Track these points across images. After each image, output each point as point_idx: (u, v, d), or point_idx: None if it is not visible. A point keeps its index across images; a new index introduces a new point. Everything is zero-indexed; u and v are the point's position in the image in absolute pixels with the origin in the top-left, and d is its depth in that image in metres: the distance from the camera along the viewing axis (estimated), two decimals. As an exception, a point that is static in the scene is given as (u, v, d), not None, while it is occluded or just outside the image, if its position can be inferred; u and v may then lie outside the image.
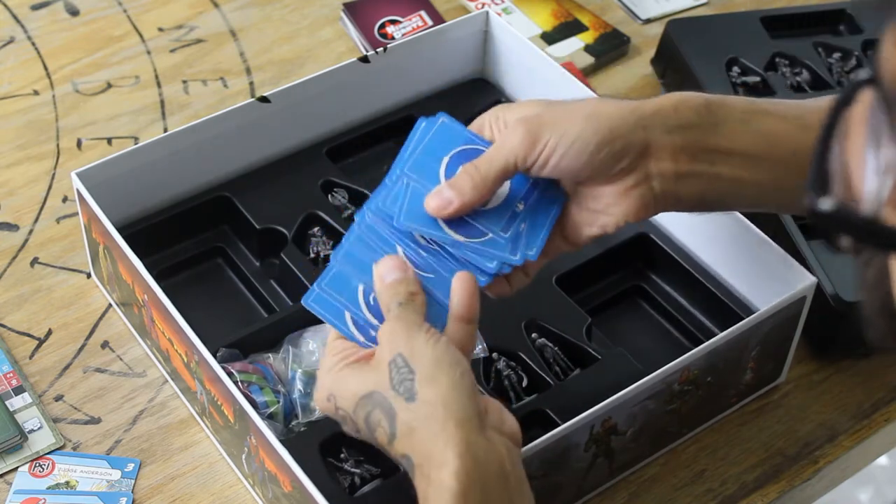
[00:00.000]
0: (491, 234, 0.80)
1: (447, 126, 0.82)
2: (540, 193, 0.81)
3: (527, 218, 0.81)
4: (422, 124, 0.83)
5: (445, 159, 0.81)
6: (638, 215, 0.79)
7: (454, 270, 0.79)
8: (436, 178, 0.80)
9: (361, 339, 0.78)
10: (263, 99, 1.05)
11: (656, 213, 0.81)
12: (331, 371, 0.76)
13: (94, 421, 0.95)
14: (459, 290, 0.77)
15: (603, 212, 0.80)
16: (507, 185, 0.81)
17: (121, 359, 0.99)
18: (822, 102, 0.84)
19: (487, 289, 0.82)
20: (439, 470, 0.69)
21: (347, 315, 0.79)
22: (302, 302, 0.80)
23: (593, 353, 0.94)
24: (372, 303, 0.79)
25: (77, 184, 0.97)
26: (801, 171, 0.80)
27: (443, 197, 0.79)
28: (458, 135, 0.82)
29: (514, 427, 0.75)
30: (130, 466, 0.92)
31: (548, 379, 0.93)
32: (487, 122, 0.83)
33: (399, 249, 0.80)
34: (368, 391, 0.73)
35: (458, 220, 0.80)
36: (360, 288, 0.79)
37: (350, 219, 1.05)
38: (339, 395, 0.75)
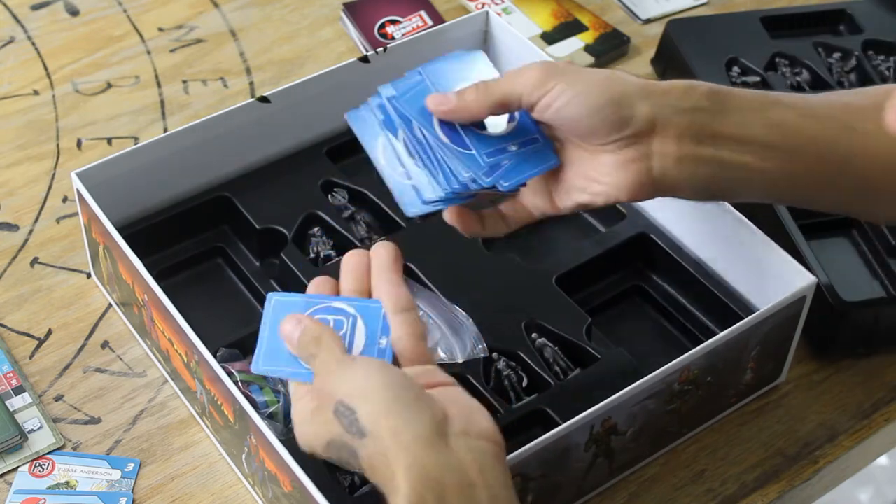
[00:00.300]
0: (475, 152, 0.81)
1: (480, 58, 0.85)
2: (537, 147, 0.82)
3: (514, 159, 0.82)
4: (457, 53, 0.86)
5: (464, 83, 0.83)
6: (631, 192, 0.79)
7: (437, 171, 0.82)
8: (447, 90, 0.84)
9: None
10: (263, 99, 1.05)
11: (653, 196, 0.81)
12: (299, 422, 0.76)
13: (94, 421, 0.95)
14: (382, 290, 0.78)
15: (597, 180, 0.80)
16: (513, 123, 0.83)
17: (121, 359, 0.99)
18: (830, 96, 0.84)
19: (459, 221, 0.84)
20: (395, 498, 0.69)
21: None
22: (252, 368, 0.79)
23: (593, 352, 0.94)
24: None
25: (77, 184, 0.97)
26: (810, 161, 0.80)
27: (445, 95, 0.81)
28: (486, 69, 0.84)
29: (486, 426, 0.72)
30: (130, 466, 0.92)
31: (548, 379, 0.93)
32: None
33: (400, 133, 0.83)
34: (328, 440, 0.73)
35: (451, 127, 0.82)
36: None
37: (350, 219, 1.05)
38: (311, 444, 0.75)
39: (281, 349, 0.78)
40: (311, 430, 0.75)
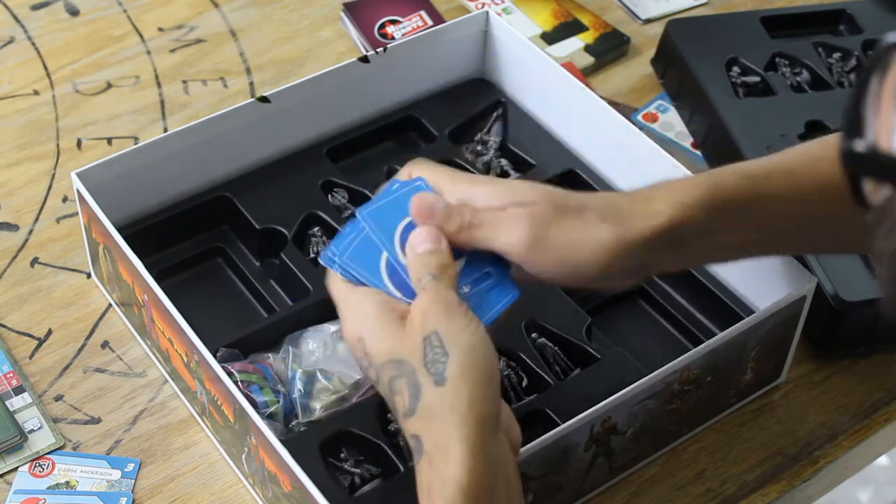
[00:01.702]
0: None
1: (421, 191, 0.80)
2: (495, 282, 0.79)
3: (470, 300, 0.78)
4: (395, 185, 0.81)
5: (405, 221, 0.79)
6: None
7: None
8: (391, 235, 0.79)
9: (398, 294, 0.78)
10: (263, 99, 1.05)
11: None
12: (367, 315, 0.75)
13: (94, 421, 0.95)
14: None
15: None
16: (461, 260, 0.79)
17: (121, 359, 0.99)
18: (810, 150, 0.83)
19: None
20: (450, 465, 0.69)
21: (383, 267, 0.78)
22: (327, 255, 0.79)
23: (593, 352, 0.94)
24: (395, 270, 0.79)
25: (77, 184, 0.97)
26: (796, 233, 0.82)
27: (431, 208, 0.78)
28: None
29: (519, 436, 0.75)
30: (130, 466, 0.92)
31: (548, 379, 0.93)
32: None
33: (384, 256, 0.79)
34: (399, 358, 0.72)
35: (397, 276, 0.78)
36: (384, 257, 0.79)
37: (351, 218, 1.05)
38: (369, 345, 0.74)
39: (372, 256, 0.77)
40: (384, 334, 0.73)
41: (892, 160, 0.51)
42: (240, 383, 0.90)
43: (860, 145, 0.52)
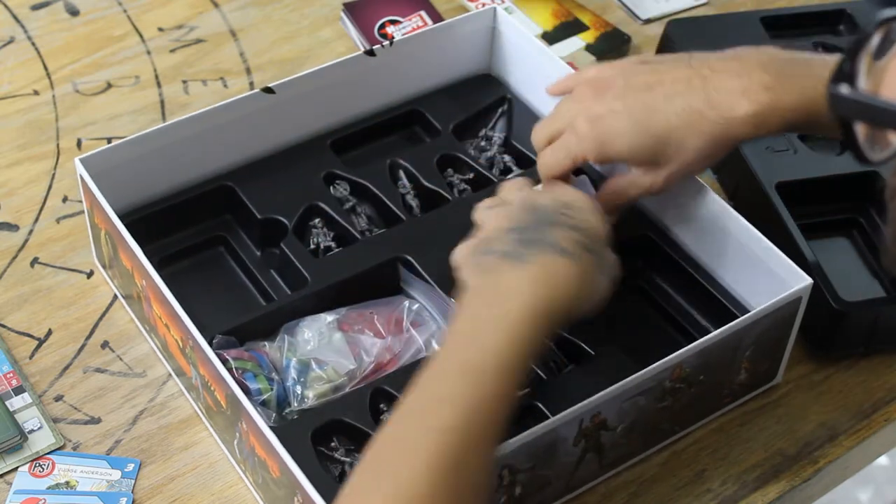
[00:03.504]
0: None
1: None
2: None
3: None
4: None
5: None
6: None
7: None
8: None
9: None
10: (268, 90, 1.05)
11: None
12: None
13: (94, 421, 0.95)
14: None
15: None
16: None
17: (121, 359, 0.99)
18: None
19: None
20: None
21: None
22: None
23: (588, 349, 0.94)
24: None
25: (80, 169, 0.97)
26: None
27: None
28: None
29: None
30: (130, 466, 0.92)
31: (541, 374, 0.93)
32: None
33: None
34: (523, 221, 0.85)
35: None
36: None
37: (351, 211, 1.05)
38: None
39: None
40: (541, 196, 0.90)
41: (870, 102, 0.61)
42: (234, 370, 0.90)
43: (844, 89, 0.62)
